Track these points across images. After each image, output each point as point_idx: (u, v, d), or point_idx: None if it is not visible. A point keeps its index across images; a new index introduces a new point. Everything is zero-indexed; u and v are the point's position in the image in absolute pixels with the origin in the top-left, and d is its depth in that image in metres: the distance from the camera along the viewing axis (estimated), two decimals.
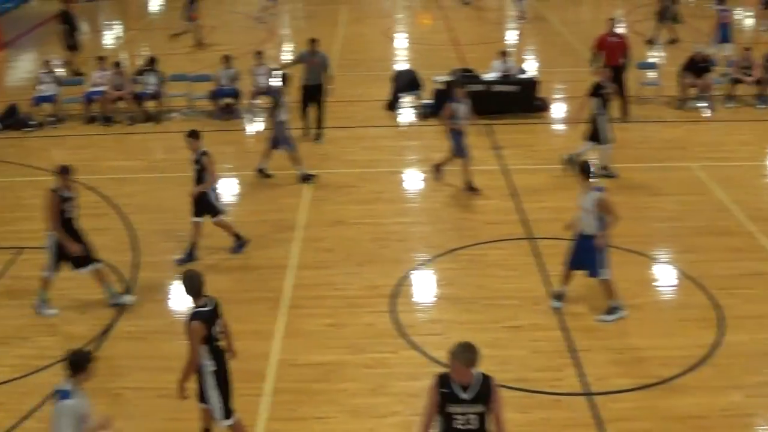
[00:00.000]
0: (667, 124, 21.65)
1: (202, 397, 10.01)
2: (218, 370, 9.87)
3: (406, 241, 15.60)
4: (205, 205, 15.06)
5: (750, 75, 23.05)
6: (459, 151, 17.56)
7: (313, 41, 21.17)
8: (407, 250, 15.26)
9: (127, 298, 13.93)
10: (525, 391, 11.36)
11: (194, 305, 9.71)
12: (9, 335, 13.18)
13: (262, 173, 18.49)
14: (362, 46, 31.18)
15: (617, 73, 21.15)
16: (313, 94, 21.11)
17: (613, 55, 21.96)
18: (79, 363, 8.78)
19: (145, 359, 12.41)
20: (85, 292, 14.17)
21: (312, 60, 20.93)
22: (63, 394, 8.71)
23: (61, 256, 13.48)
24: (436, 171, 18.04)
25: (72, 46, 28.03)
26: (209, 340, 9.69)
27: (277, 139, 18.00)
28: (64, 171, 13.42)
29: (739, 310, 13.33)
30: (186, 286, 9.72)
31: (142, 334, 13.06)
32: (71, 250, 13.32)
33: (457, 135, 17.53)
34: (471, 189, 17.56)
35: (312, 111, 21.27)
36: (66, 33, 27.92)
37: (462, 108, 17.51)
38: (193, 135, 14.83)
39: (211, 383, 9.85)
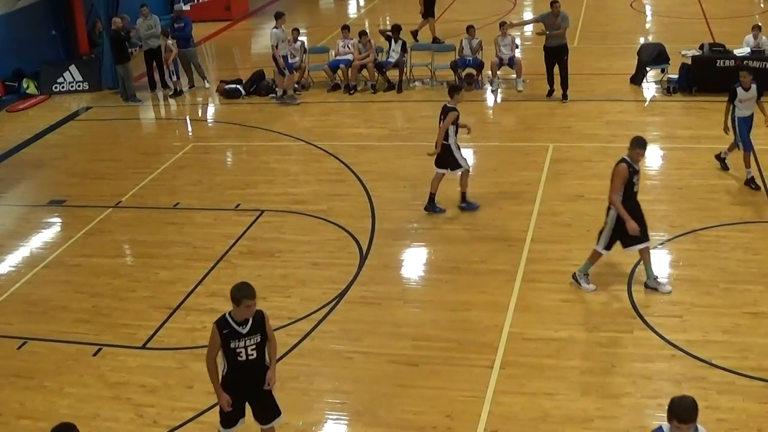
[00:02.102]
0: None
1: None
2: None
3: (647, 219, 15.08)
4: (447, 158, 15.47)
5: None
6: (741, 141, 16.22)
7: (554, 3, 21.17)
8: (648, 229, 14.83)
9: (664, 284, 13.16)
10: (764, 381, 10.84)
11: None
12: None
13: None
14: (607, 18, 30.53)
15: None
16: (556, 55, 21.25)
17: None
18: None
19: (377, 324, 12.63)
20: (322, 256, 14.58)
21: (554, 21, 20.88)
22: None
23: (617, 233, 12.72)
24: (721, 162, 17.06)
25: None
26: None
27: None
28: (638, 143, 12.57)
29: None
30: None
31: (376, 299, 13.28)
32: (629, 227, 12.47)
33: (741, 123, 16.24)
34: (752, 185, 16.17)
35: (557, 71, 21.38)
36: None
37: (748, 94, 16.31)
38: (453, 90, 15.60)
39: None
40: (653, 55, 22.64)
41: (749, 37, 21.95)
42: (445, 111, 15.47)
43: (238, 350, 9.15)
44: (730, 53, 21.51)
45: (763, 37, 22.03)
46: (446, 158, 15.60)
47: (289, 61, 23.51)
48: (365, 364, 11.78)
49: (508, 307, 12.69)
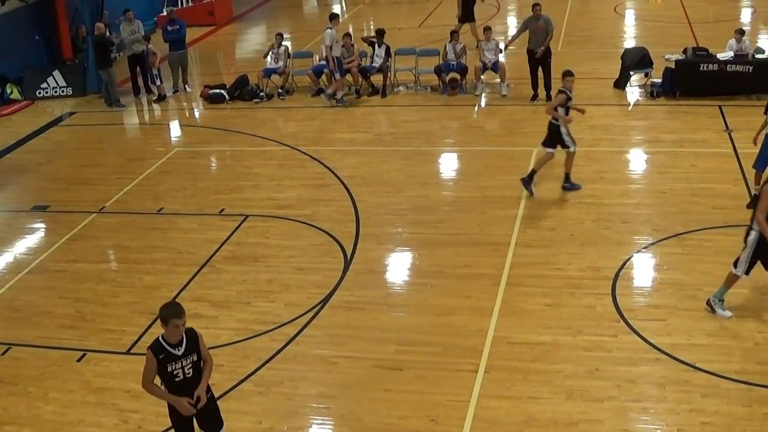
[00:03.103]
0: None
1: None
2: None
3: (630, 223, 15.23)
4: (556, 136, 16.22)
5: None
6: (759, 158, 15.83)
7: (535, 6, 21.50)
8: (631, 232, 14.90)
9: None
10: (748, 384, 10.87)
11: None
12: (231, 300, 13.69)
13: None
14: (591, 22, 30.62)
15: None
16: (538, 59, 21.50)
17: None
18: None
19: (361, 329, 12.62)
20: (307, 261, 14.58)
21: (536, 25, 21.13)
22: None
23: (758, 254, 12.07)
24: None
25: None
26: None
27: None
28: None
29: None
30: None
31: (360, 304, 13.27)
32: None
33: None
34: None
35: (539, 75, 21.62)
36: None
37: None
38: (567, 74, 16.20)
39: None
40: (637, 60, 22.70)
41: (732, 41, 22.02)
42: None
43: (175, 372, 8.95)
44: (713, 57, 21.57)
45: (747, 41, 22.11)
46: (555, 137, 16.26)
47: (273, 66, 23.54)
48: (350, 368, 11.76)
49: (492, 312, 12.70)
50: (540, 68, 21.50)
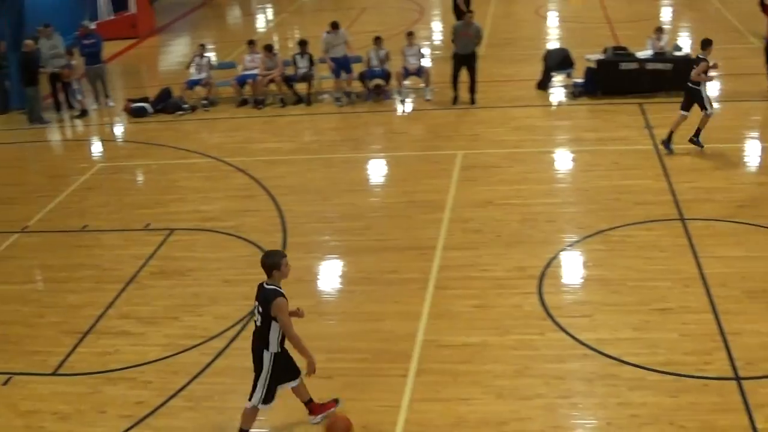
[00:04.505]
0: None
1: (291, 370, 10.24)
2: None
3: (555, 222, 15.38)
4: (697, 98, 17.72)
5: None
6: None
7: (467, 13, 22.06)
8: (556, 231, 15.04)
9: None
10: (673, 375, 11.04)
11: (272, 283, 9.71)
12: (158, 315, 13.53)
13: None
14: (514, 25, 30.93)
15: None
16: (465, 62, 21.70)
17: None
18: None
19: None
20: (234, 273, 14.50)
21: (467, 32, 21.30)
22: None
23: None
24: None
25: None
26: None
27: None
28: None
29: None
30: (268, 263, 9.68)
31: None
32: None
33: None
34: None
35: (465, 76, 21.76)
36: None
37: None
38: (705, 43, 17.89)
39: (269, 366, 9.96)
40: (558, 61, 22.98)
41: (652, 40, 22.35)
42: (697, 61, 17.71)
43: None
44: (632, 56, 21.90)
45: (665, 39, 22.46)
46: (694, 99, 17.75)
47: (196, 77, 23.40)
48: None
49: (421, 315, 12.72)
50: (466, 71, 21.59)
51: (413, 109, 22.29)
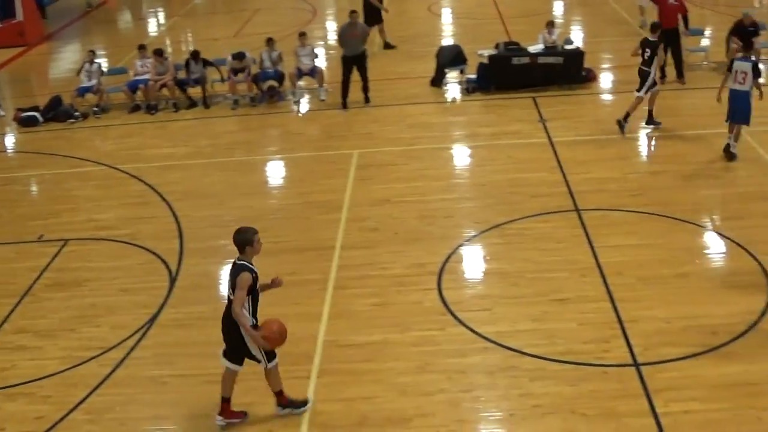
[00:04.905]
0: (715, 89, 21.26)
1: (243, 356, 10.30)
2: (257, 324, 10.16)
3: (452, 218, 15.47)
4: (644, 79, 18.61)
5: None
6: None
7: (352, 13, 21.78)
8: (453, 227, 15.13)
9: None
10: (573, 364, 11.20)
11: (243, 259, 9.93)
12: (55, 327, 13.22)
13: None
14: (407, 23, 30.97)
15: (674, 37, 20.86)
16: (356, 62, 21.55)
17: (670, 18, 21.63)
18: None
19: (190, 346, 12.38)
20: (131, 281, 14.27)
21: (353, 33, 21.24)
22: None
23: None
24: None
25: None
26: (253, 295, 10.02)
27: None
28: None
29: None
30: (239, 239, 9.95)
31: (188, 320, 13.03)
32: None
33: None
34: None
35: (357, 77, 21.61)
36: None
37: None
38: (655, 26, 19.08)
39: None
40: (451, 57, 23.11)
41: (543, 34, 22.64)
42: (650, 44, 18.67)
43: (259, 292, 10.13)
44: (524, 51, 22.14)
45: (557, 33, 22.77)
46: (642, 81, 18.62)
47: (86, 84, 22.97)
48: (181, 387, 11.54)
49: (321, 316, 12.68)
50: (357, 72, 21.52)
51: (308, 110, 22.19)
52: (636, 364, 11.16)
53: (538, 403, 10.52)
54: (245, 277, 9.73)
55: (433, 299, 12.91)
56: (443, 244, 14.48)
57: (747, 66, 16.76)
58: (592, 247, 14.03)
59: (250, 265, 9.87)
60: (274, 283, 10.48)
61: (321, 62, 24.14)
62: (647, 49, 18.65)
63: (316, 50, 23.56)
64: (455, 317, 12.39)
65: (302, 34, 23.26)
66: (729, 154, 17.05)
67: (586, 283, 13.05)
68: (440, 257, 13.99)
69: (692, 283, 13.04)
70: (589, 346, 11.57)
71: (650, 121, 19.00)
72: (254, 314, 10.09)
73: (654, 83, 18.70)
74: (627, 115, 18.55)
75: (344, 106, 21.61)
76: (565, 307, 12.50)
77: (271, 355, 10.28)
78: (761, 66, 18.41)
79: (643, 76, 18.69)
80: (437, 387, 10.96)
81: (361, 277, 13.71)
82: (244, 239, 9.89)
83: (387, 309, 12.79)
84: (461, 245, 14.45)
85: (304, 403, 10.75)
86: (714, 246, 14.36)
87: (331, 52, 23.92)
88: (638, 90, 18.71)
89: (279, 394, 10.63)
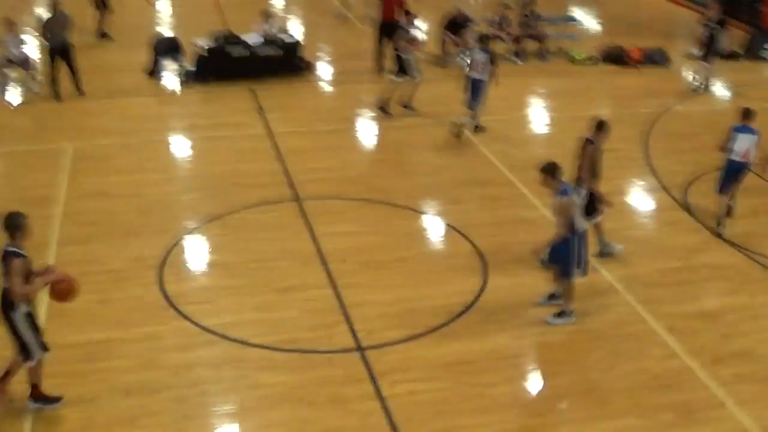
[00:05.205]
0: (430, 81, 22.01)
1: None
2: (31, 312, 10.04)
3: (173, 210, 15.26)
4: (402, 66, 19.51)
5: (508, 33, 24.07)
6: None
7: (53, 2, 21.02)
8: (174, 219, 14.92)
9: (618, 248, 13.94)
10: (299, 352, 11.34)
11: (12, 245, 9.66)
12: None
13: None
14: (122, 12, 30.08)
15: (391, 30, 21.43)
16: (59, 54, 20.81)
17: (388, 10, 22.18)
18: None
19: None
20: None
21: (56, 22, 20.69)
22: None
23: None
24: None
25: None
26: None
27: None
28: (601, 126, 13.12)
29: (501, 256, 13.81)
30: (9, 224, 9.70)
31: None
32: (605, 202, 13.44)
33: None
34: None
35: (64, 69, 20.92)
36: None
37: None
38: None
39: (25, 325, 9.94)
40: (168, 48, 22.75)
41: (260, 25, 22.68)
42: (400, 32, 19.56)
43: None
44: (242, 41, 22.11)
45: (274, 24, 22.86)
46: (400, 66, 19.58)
47: None
48: None
49: (38, 317, 12.15)
50: (65, 63, 20.76)
51: (20, 102, 21.22)
52: (360, 349, 11.43)
53: (267, 394, 10.58)
54: (15, 264, 9.50)
55: (155, 294, 12.69)
56: (164, 237, 14.25)
57: (485, 57, 18.15)
58: (313, 236, 14.23)
59: (19, 251, 9.61)
60: (49, 272, 10.15)
61: (32, 52, 23.12)
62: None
63: (25, 38, 22.56)
64: (178, 311, 12.23)
65: (11, 23, 22.19)
66: (458, 131, 18.36)
67: (308, 271, 13.22)
68: (161, 250, 13.77)
69: (412, 267, 13.49)
70: (314, 333, 11.75)
71: (383, 107, 19.63)
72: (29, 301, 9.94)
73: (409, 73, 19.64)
74: (385, 102, 19.62)
75: (57, 97, 20.78)
76: (289, 295, 12.62)
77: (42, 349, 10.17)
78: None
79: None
80: (163, 384, 10.78)
81: (81, 273, 12.97)
82: (13, 224, 9.64)
83: (108, 306, 12.45)
84: (182, 238, 14.28)
85: (58, 399, 10.47)
86: (431, 230, 14.93)
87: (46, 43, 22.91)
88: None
89: (35, 388, 10.34)
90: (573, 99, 21.82)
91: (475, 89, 18.44)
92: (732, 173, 14.67)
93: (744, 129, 14.51)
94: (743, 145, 14.42)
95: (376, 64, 22.65)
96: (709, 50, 22.25)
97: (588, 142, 13.11)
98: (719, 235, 14.69)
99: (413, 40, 19.82)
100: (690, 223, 15.22)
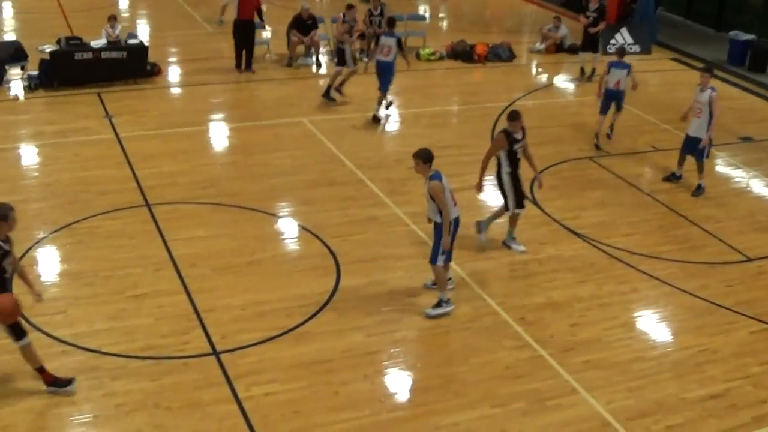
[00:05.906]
0: (278, 81, 22.13)
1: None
2: None
3: (20, 220, 14.62)
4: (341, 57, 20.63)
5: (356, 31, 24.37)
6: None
7: None
8: (22, 230, 14.29)
9: (520, 248, 14.69)
10: (153, 359, 11.33)
11: None
12: None
13: None
14: None
15: (248, 29, 21.43)
16: None
17: (245, 9, 22.23)
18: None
19: None
20: None
21: None
22: None
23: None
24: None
25: None
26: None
27: None
28: (514, 116, 13.86)
29: (353, 255, 14.07)
30: None
31: None
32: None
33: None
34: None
35: None
36: None
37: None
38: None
39: None
40: (11, 53, 22.24)
41: (106, 28, 22.43)
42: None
43: (5, 267, 10.06)
44: (87, 45, 21.79)
45: (120, 27, 22.62)
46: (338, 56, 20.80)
47: None
48: None
49: None
50: None
51: None
52: (216, 353, 11.50)
53: (122, 402, 10.54)
54: None
55: None
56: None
57: (392, 41, 19.60)
58: (164, 241, 14.21)
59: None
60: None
61: None
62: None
63: None
64: (29, 323, 12.01)
65: None
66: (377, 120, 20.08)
67: (161, 278, 13.21)
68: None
69: (265, 270, 13.61)
70: (168, 339, 11.75)
71: (327, 94, 21.05)
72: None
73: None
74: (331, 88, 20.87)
75: None
76: (142, 302, 12.58)
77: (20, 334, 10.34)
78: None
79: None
80: (17, 396, 10.62)
81: None
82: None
83: None
84: (30, 248, 14.04)
85: (70, 381, 10.67)
86: (284, 232, 15.10)
87: None
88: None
89: (41, 371, 10.60)
90: (420, 95, 22.27)
91: (384, 72, 19.74)
92: (608, 99, 19.05)
93: (617, 65, 19.05)
94: (615, 77, 18.91)
95: (237, 61, 22.81)
96: (592, 41, 24.27)
97: (503, 133, 14.00)
98: (598, 147, 18.93)
99: (351, 30, 20.76)
100: (538, 217, 15.77)
